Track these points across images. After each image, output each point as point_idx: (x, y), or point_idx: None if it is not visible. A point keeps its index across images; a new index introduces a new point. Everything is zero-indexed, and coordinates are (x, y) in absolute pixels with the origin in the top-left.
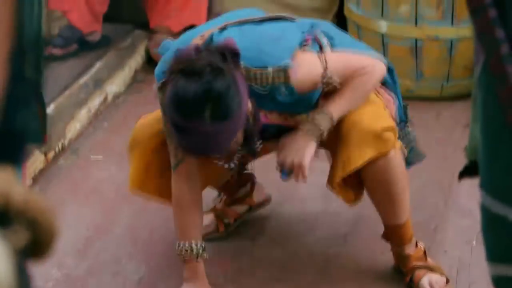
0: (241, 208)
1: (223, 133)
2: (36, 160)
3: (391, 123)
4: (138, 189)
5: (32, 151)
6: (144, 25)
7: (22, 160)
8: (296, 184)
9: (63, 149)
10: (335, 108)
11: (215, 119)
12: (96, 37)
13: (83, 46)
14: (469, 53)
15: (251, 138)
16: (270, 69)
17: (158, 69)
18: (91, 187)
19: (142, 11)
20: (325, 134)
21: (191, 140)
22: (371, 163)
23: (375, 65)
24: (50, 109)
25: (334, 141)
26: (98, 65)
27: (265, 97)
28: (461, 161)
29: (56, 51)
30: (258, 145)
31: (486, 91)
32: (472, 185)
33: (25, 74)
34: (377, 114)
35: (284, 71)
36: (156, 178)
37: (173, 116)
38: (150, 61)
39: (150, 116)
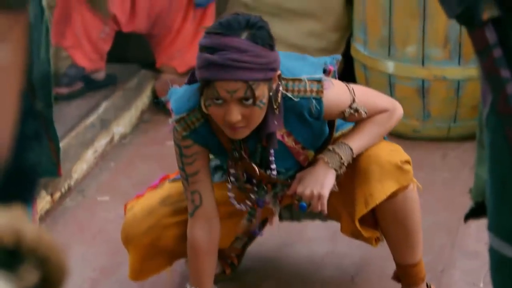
0: (240, 242)
1: (254, 56)
2: (42, 201)
3: (407, 156)
4: (137, 279)
5: (40, 190)
6: (150, 65)
7: (32, 198)
8: (304, 225)
9: (69, 189)
10: (355, 142)
11: (250, 40)
12: (101, 75)
13: (88, 84)
14: (476, 93)
15: (269, 128)
16: (305, 78)
17: (176, 104)
18: (98, 228)
19: (148, 51)
20: (345, 165)
21: (223, 56)
22: (390, 197)
23: (395, 106)
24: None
25: (346, 181)
26: (104, 105)
27: (293, 108)
28: (468, 203)
29: (62, 90)
30: (273, 167)
31: (494, 132)
32: (478, 227)
33: (36, 108)
34: (393, 148)
35: (318, 82)
36: (154, 262)
37: (209, 38)
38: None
39: (140, 205)
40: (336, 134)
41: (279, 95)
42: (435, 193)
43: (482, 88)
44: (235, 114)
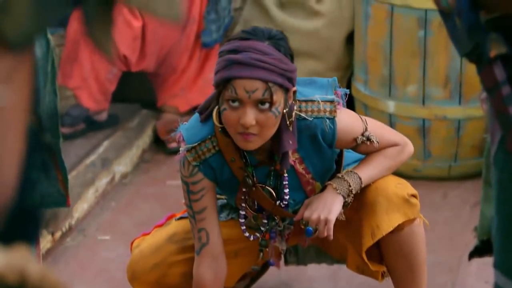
0: (242, 284)
1: (276, 60)
2: (43, 240)
3: (414, 190)
4: None
5: (42, 230)
6: (151, 104)
7: (37, 237)
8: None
9: (70, 229)
10: (365, 172)
11: (273, 46)
12: (103, 116)
13: (90, 125)
14: (477, 133)
15: (284, 146)
16: (318, 98)
17: (187, 133)
18: (99, 267)
19: (149, 90)
20: (353, 193)
21: (246, 55)
22: (397, 230)
23: (406, 142)
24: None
25: (353, 215)
26: (105, 144)
27: (307, 129)
28: (469, 242)
29: (64, 130)
30: (287, 197)
31: (502, 170)
32: (479, 265)
33: (43, 140)
34: (400, 182)
35: (331, 103)
36: None
37: (232, 43)
38: (157, 141)
39: (147, 242)
40: (343, 172)
41: (293, 114)
42: (436, 232)
43: (490, 126)
44: (250, 117)
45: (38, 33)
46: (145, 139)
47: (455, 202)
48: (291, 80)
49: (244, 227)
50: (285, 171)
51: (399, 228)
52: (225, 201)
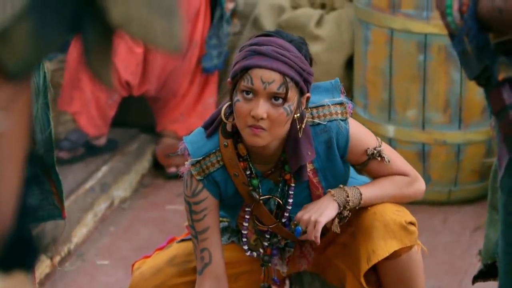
0: None
1: (296, 57)
2: (42, 265)
3: (412, 218)
4: None
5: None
6: (150, 129)
7: (33, 264)
8: None
9: (69, 253)
10: (367, 190)
11: (293, 44)
12: (102, 141)
13: (89, 150)
14: (476, 157)
15: (303, 158)
16: (327, 102)
17: (193, 147)
18: None
19: (148, 115)
20: (350, 205)
21: (267, 47)
22: (394, 257)
23: (418, 178)
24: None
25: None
26: (104, 169)
27: (323, 133)
28: (469, 266)
29: (63, 155)
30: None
31: (508, 194)
32: None
33: (36, 153)
34: (399, 208)
35: (340, 105)
36: None
37: (255, 39)
38: (156, 165)
39: (147, 264)
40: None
41: (305, 121)
42: (436, 257)
43: (498, 151)
44: (262, 109)
45: (37, 62)
46: (144, 163)
47: (455, 227)
48: (307, 83)
49: (246, 247)
50: (293, 182)
51: (396, 255)
52: (226, 224)
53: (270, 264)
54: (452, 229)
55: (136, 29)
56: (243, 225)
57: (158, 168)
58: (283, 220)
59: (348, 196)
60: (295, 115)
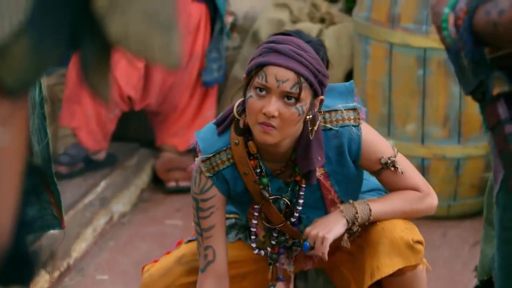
0: None
1: (313, 59)
2: (41, 279)
3: (420, 237)
4: None
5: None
6: (149, 143)
7: (31, 279)
8: None
9: (68, 268)
10: (377, 206)
11: (311, 45)
12: (101, 155)
13: (88, 164)
14: (476, 172)
15: (313, 163)
16: (340, 107)
17: (204, 144)
18: None
19: (147, 129)
20: (358, 221)
21: (284, 46)
22: (399, 274)
23: (431, 192)
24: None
25: (358, 252)
26: (103, 184)
27: (334, 138)
28: (468, 281)
29: (62, 169)
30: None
31: (504, 209)
32: None
33: (34, 164)
34: (408, 226)
35: (353, 110)
36: None
37: (273, 37)
38: (156, 180)
39: (156, 266)
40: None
41: (317, 123)
42: (435, 272)
43: (494, 166)
44: (274, 106)
45: (36, 78)
46: (144, 178)
47: (455, 242)
48: (322, 85)
49: (254, 245)
50: (304, 183)
51: (401, 273)
52: (233, 221)
53: (277, 263)
54: (451, 244)
55: (134, 45)
56: (252, 222)
57: (157, 183)
58: (292, 220)
59: (357, 213)
60: (308, 117)
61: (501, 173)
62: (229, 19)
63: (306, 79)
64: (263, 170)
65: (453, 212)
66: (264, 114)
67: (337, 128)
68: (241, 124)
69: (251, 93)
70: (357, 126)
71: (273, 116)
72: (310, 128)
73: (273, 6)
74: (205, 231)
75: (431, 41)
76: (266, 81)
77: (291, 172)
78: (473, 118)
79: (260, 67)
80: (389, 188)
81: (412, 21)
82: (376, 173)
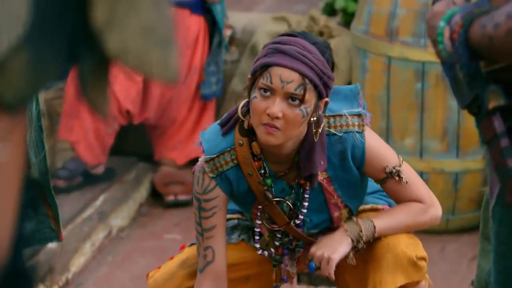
0: None
1: (318, 60)
2: None
3: (424, 253)
4: None
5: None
6: (148, 157)
7: None
8: None
9: (67, 283)
10: (381, 223)
11: (316, 47)
12: (100, 170)
13: (87, 178)
14: (474, 186)
15: (315, 167)
16: (345, 113)
17: (208, 144)
18: None
19: (146, 143)
20: (363, 239)
21: (290, 47)
22: None
23: (434, 203)
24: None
25: (362, 265)
26: (102, 198)
27: (337, 144)
28: None
29: (60, 183)
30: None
31: (500, 223)
32: None
33: (31, 176)
34: (412, 241)
35: (358, 116)
36: None
37: (279, 37)
38: (154, 194)
39: (161, 271)
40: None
41: (322, 125)
42: (434, 286)
43: (490, 180)
44: (278, 107)
45: (34, 93)
46: (142, 192)
47: (453, 256)
48: (327, 87)
49: (258, 245)
50: (308, 185)
51: None
52: (236, 221)
53: (281, 264)
54: (450, 258)
55: (133, 59)
56: (256, 223)
57: (156, 197)
58: (297, 222)
59: (361, 231)
60: (312, 119)
61: (497, 187)
62: (227, 33)
63: (311, 81)
64: (267, 171)
65: (452, 226)
66: (268, 115)
67: (341, 134)
68: (245, 125)
69: (255, 93)
70: (361, 133)
71: (277, 117)
72: (314, 130)
73: (272, 20)
74: (206, 231)
75: (430, 54)
76: (271, 82)
77: (295, 174)
78: (472, 132)
79: (265, 67)
80: (392, 197)
81: (410, 35)
82: (380, 182)
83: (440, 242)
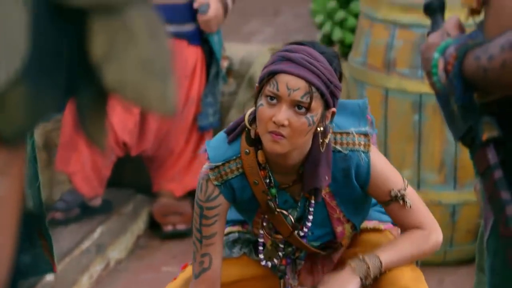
0: None
1: (325, 69)
2: None
3: (426, 286)
4: None
5: None
6: (145, 189)
7: None
8: None
9: None
10: (387, 258)
11: (324, 56)
12: (97, 201)
13: (84, 210)
14: (472, 217)
15: (320, 181)
16: (353, 131)
17: (213, 152)
18: None
19: (143, 175)
20: (371, 276)
21: (297, 55)
22: None
23: (435, 229)
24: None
25: None
26: (99, 230)
27: (342, 161)
28: None
29: (58, 215)
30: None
31: (494, 255)
32: None
33: (26, 208)
34: (415, 275)
35: (365, 136)
36: None
37: (288, 45)
38: (152, 226)
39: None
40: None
41: (329, 136)
42: None
43: (484, 211)
44: (284, 115)
45: (33, 127)
46: (140, 224)
47: None
48: (334, 97)
49: (262, 256)
50: (313, 199)
51: None
52: (236, 235)
53: (286, 276)
54: None
55: (131, 93)
56: (260, 233)
57: (153, 229)
58: (301, 234)
59: (369, 268)
60: (319, 129)
61: (491, 219)
62: (224, 64)
63: (318, 89)
64: (272, 181)
65: (450, 258)
66: (274, 122)
67: (346, 152)
68: (252, 134)
69: (261, 101)
70: (366, 153)
71: (283, 125)
72: (321, 140)
73: (269, 51)
74: (205, 238)
75: (427, 86)
76: (277, 89)
77: (300, 187)
78: (469, 164)
79: (271, 75)
80: (394, 219)
81: (407, 66)
82: (383, 203)
83: (438, 274)
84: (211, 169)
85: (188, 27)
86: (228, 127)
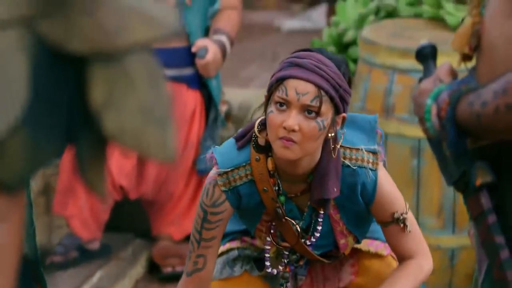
0: None
1: (334, 74)
2: None
3: None
4: None
5: None
6: (144, 233)
7: None
8: None
9: None
10: None
11: (332, 61)
12: (95, 245)
13: (83, 254)
14: (471, 261)
15: (329, 192)
16: (362, 148)
17: (222, 158)
18: None
19: (142, 219)
20: None
21: (305, 60)
22: None
23: (427, 254)
24: None
25: None
26: (98, 274)
27: (349, 176)
28: None
29: (57, 258)
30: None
31: None
32: None
33: (23, 254)
34: None
35: (373, 154)
36: None
37: (297, 52)
38: (151, 271)
39: None
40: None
41: (340, 142)
42: None
43: (478, 256)
44: (295, 120)
45: (32, 174)
46: (139, 269)
47: None
48: (343, 101)
49: (268, 263)
50: (322, 209)
51: None
52: (236, 253)
53: (288, 283)
54: None
55: (130, 140)
56: (266, 240)
57: (152, 273)
58: (308, 243)
59: None
60: (330, 135)
61: (485, 263)
62: (223, 108)
63: (327, 93)
64: (280, 189)
65: None
66: (285, 128)
67: (354, 167)
68: (261, 142)
69: (271, 108)
70: (374, 171)
71: (293, 130)
72: (332, 146)
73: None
74: (204, 241)
75: None
76: (287, 95)
77: (308, 198)
78: None
79: (280, 80)
80: (389, 241)
81: (406, 111)
82: (383, 224)
83: None
84: (220, 174)
85: (188, 71)
86: (237, 134)
